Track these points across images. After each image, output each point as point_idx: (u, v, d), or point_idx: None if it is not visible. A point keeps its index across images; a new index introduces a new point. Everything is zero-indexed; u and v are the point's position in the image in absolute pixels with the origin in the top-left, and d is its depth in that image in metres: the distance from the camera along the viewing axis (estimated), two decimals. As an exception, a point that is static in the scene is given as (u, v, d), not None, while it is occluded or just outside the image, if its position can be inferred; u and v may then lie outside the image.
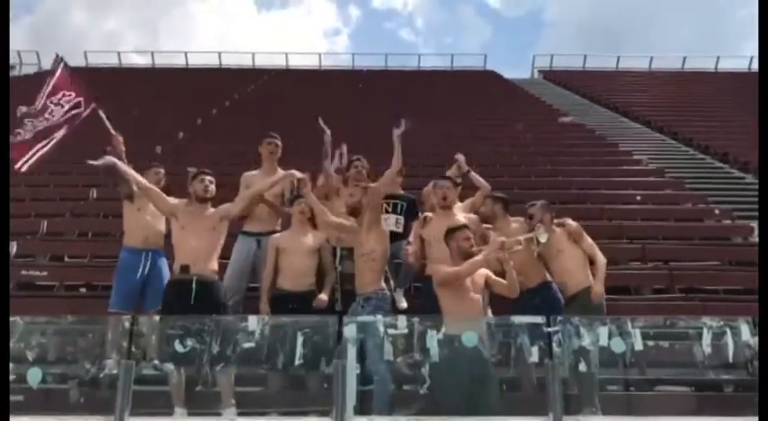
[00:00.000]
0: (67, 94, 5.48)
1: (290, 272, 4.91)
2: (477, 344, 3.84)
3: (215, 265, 4.66)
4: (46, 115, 5.36)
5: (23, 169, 5.26)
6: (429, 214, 5.20)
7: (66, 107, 5.45)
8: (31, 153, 5.28)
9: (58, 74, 5.53)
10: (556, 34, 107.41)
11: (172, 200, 4.85)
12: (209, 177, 4.84)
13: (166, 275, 5.00)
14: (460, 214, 5.16)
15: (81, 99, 5.54)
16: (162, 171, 5.36)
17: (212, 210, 4.77)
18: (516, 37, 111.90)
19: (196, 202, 4.76)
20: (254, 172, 5.55)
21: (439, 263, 4.52)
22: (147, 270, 5.01)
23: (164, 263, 5.13)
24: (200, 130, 15.44)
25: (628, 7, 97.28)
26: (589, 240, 5.02)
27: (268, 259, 4.98)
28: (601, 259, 4.93)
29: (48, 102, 5.39)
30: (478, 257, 4.21)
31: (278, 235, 5.14)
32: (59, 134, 5.44)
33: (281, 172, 5.20)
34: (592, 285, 4.81)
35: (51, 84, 5.47)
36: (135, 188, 5.02)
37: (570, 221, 5.10)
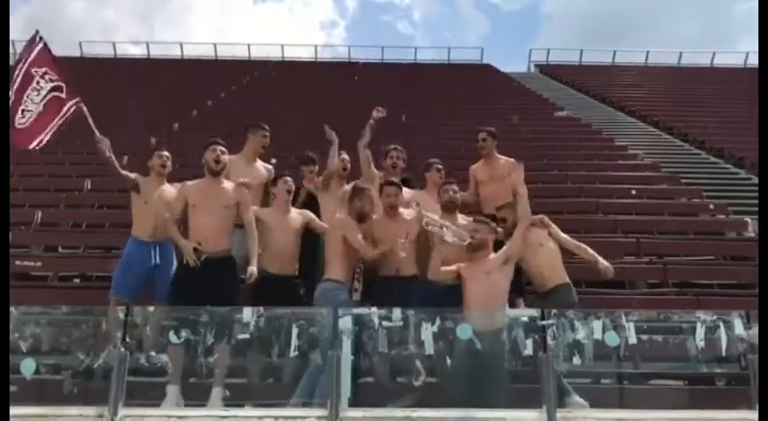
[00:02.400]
0: (50, 73, 5.26)
1: (276, 253, 4.72)
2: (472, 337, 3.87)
3: (228, 243, 4.58)
4: (35, 85, 5.21)
5: (38, 147, 5.20)
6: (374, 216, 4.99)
7: (50, 85, 5.30)
8: (45, 130, 5.17)
9: (38, 49, 5.26)
10: (554, 28, 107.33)
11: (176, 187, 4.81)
12: (221, 147, 4.68)
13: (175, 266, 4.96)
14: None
15: (63, 84, 5.37)
16: (165, 154, 5.22)
17: (227, 184, 4.66)
18: (514, 31, 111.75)
19: (208, 175, 4.65)
20: (233, 157, 5.38)
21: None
22: (155, 262, 4.91)
23: (172, 254, 5.02)
24: (196, 122, 15.37)
25: (627, 1, 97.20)
26: (554, 226, 4.96)
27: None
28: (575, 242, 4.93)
29: (33, 71, 5.17)
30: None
31: (262, 209, 4.98)
32: (56, 120, 5.31)
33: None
34: (569, 282, 4.80)
35: (33, 54, 5.21)
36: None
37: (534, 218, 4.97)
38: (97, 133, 5.14)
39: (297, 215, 4.94)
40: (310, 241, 4.99)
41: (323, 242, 4.92)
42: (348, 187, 5.16)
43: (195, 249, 4.41)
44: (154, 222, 4.95)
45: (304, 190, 5.46)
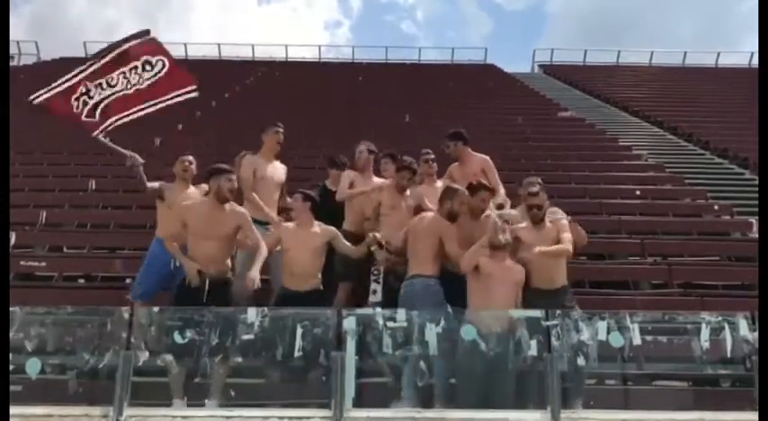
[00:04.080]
0: (152, 59, 5.34)
1: (294, 272, 4.70)
2: (476, 337, 3.88)
3: (227, 265, 4.61)
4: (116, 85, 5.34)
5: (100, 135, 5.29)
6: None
7: (148, 74, 5.34)
8: (111, 120, 5.33)
9: (139, 41, 5.37)
10: (557, 28, 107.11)
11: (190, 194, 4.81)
12: (234, 175, 4.61)
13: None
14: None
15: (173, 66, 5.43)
16: (188, 159, 5.27)
17: (229, 210, 4.56)
18: (517, 31, 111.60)
19: (214, 201, 4.54)
20: (253, 156, 5.40)
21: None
22: (173, 267, 4.88)
23: None
24: (200, 123, 15.39)
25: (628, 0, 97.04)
26: (568, 235, 4.69)
27: (269, 239, 4.77)
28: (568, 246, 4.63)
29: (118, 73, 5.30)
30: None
31: (288, 225, 4.89)
32: (147, 106, 5.45)
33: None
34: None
35: (120, 51, 5.30)
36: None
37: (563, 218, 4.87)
38: (126, 151, 5.23)
39: (319, 231, 4.81)
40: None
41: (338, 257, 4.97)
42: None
43: (199, 271, 4.41)
44: (176, 228, 4.88)
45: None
